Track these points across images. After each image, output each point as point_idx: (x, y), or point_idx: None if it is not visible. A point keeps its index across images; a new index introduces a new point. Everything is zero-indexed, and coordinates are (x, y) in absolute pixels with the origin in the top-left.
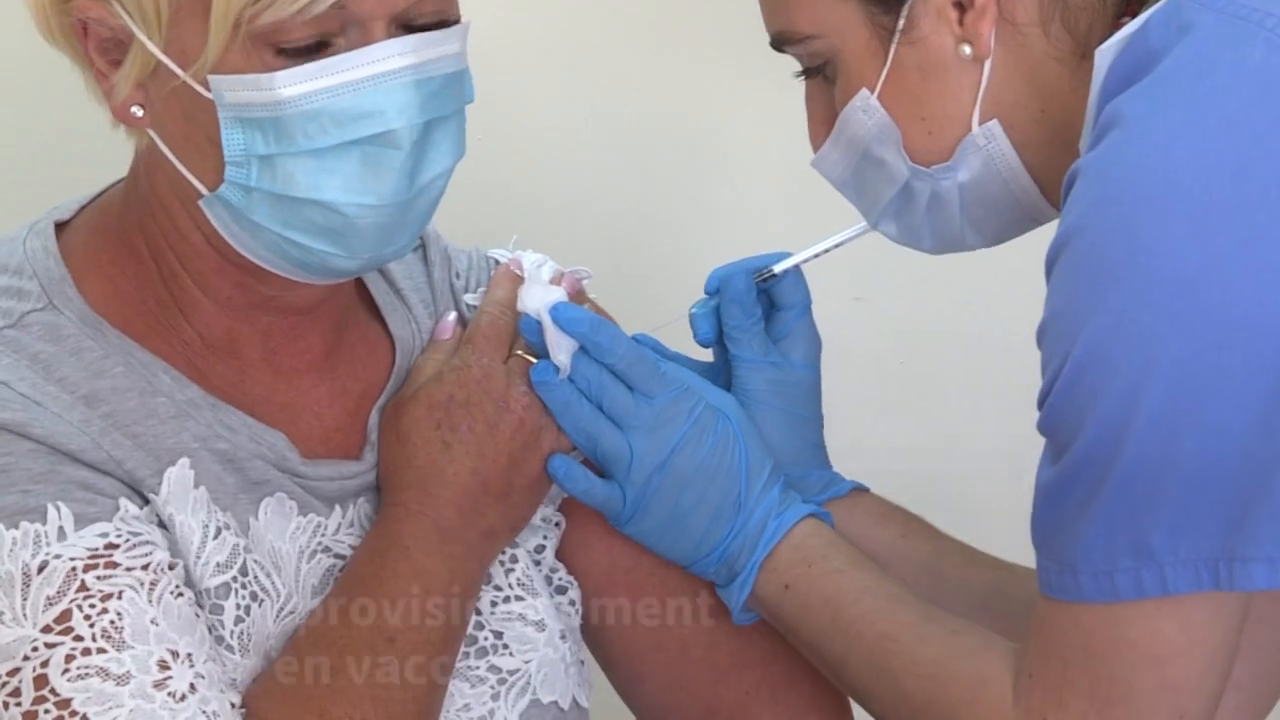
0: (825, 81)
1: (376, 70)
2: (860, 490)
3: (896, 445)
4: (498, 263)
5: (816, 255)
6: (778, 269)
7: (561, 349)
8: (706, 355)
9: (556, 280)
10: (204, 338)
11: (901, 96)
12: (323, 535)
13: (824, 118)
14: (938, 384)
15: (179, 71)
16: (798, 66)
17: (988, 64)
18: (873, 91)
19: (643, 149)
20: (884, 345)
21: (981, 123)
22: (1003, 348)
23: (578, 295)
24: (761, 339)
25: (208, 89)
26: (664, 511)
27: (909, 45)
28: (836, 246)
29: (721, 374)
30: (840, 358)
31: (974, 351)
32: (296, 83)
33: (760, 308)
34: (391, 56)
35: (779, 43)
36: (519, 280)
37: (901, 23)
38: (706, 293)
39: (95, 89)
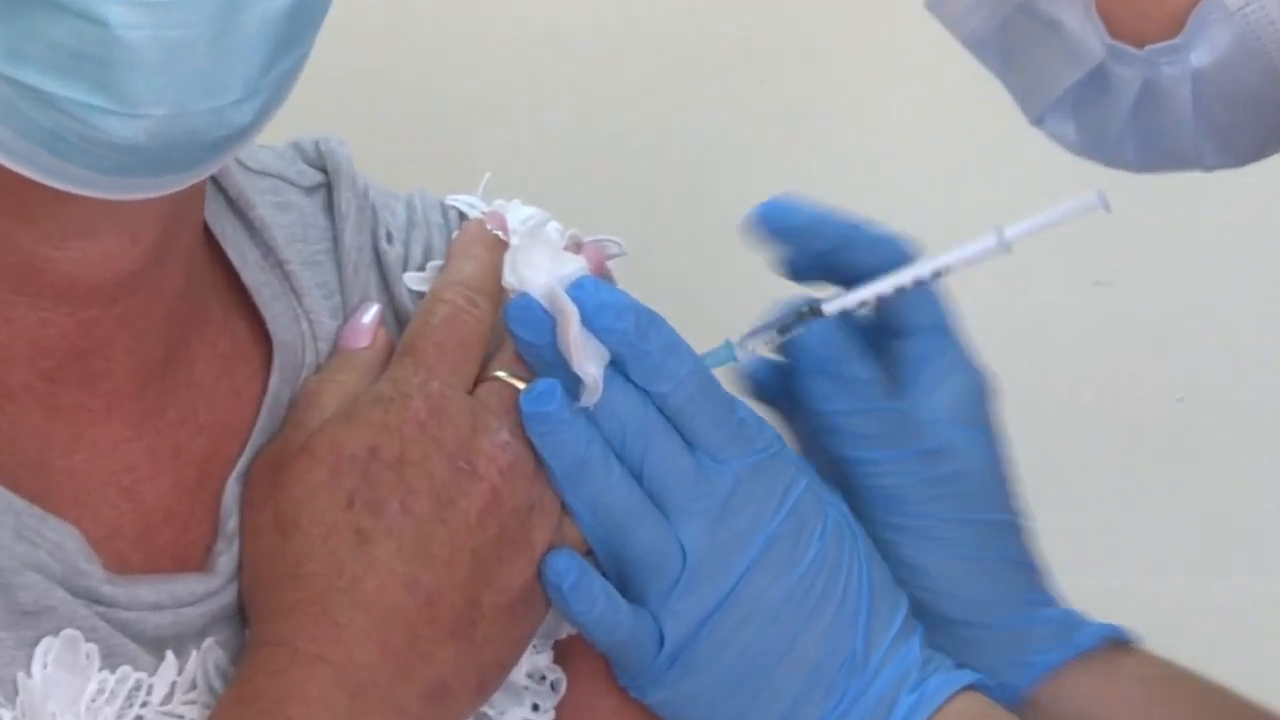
0: None
1: None
2: (1119, 642)
3: (1166, 497)
4: (463, 217)
5: (873, 297)
6: (828, 309)
7: (589, 356)
8: None
9: (572, 249)
10: None
11: None
12: (144, 705)
13: None
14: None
15: None
16: None
17: None
18: None
19: (711, 74)
20: (1133, 347)
21: None
22: None
23: (602, 278)
24: (894, 422)
25: None
26: (724, 667)
27: None
28: (935, 277)
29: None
30: (1073, 365)
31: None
32: None
33: (868, 368)
34: None
35: None
36: (502, 246)
37: None
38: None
39: None
